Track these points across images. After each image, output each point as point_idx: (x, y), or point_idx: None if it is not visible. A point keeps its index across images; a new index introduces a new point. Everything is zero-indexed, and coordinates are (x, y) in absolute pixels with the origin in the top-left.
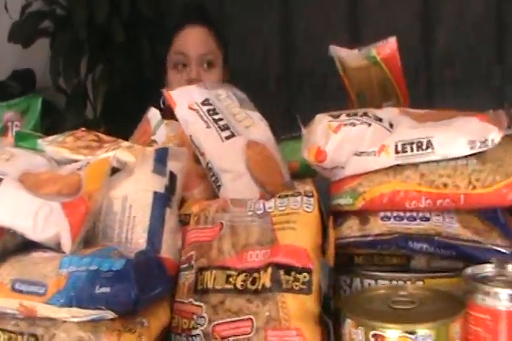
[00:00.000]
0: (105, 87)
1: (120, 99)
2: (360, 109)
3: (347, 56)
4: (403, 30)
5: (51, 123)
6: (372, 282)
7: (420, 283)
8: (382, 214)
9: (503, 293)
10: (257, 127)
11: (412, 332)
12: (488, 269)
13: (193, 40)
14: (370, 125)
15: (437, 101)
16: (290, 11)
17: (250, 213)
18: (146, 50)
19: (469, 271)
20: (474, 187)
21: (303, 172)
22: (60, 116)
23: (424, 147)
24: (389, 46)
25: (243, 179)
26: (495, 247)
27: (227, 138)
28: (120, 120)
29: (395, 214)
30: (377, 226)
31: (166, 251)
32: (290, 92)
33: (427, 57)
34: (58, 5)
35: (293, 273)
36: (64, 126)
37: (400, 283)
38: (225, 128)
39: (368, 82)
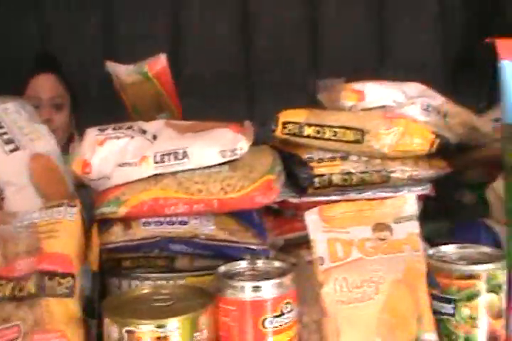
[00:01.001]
0: None
1: None
2: (130, 122)
3: (122, 71)
4: (224, 37)
5: None
6: (139, 283)
7: (182, 281)
8: (143, 220)
9: (248, 285)
10: (42, 140)
11: (161, 326)
12: (241, 266)
13: (44, 86)
14: (133, 137)
15: (258, 105)
16: (115, 13)
17: (19, 224)
18: None
19: (223, 268)
20: (226, 192)
21: None
22: None
23: (180, 157)
24: (159, 62)
25: (26, 191)
26: (248, 246)
27: (12, 151)
28: None
29: (155, 219)
30: (140, 232)
31: None
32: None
33: (246, 63)
34: None
35: (57, 279)
36: None
37: (164, 282)
38: (10, 141)
39: (143, 96)
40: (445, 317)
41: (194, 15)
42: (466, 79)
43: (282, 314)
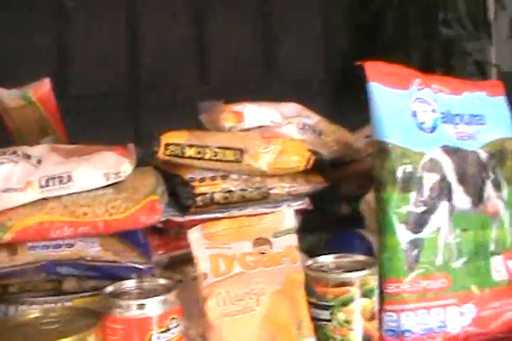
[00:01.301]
0: None
1: None
2: (14, 147)
3: (5, 95)
4: (109, 57)
5: None
6: (26, 307)
7: (69, 303)
8: (29, 244)
9: (133, 304)
10: None
11: None
12: (127, 285)
13: None
14: (17, 163)
15: (145, 125)
16: None
17: None
18: None
19: (109, 288)
20: (111, 214)
21: None
22: None
23: (65, 181)
24: (43, 86)
25: None
26: (134, 265)
27: None
28: None
29: (42, 243)
30: (25, 256)
31: None
32: None
33: (132, 83)
34: None
35: None
36: None
37: (52, 305)
38: None
39: (27, 120)
40: (323, 322)
41: (79, 35)
42: (349, 96)
43: (168, 329)
